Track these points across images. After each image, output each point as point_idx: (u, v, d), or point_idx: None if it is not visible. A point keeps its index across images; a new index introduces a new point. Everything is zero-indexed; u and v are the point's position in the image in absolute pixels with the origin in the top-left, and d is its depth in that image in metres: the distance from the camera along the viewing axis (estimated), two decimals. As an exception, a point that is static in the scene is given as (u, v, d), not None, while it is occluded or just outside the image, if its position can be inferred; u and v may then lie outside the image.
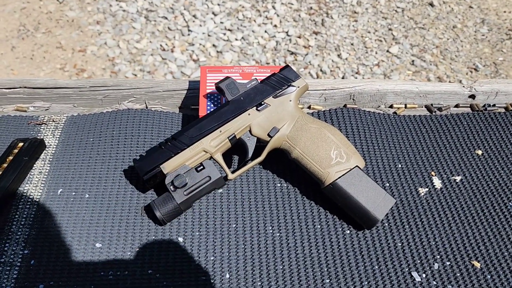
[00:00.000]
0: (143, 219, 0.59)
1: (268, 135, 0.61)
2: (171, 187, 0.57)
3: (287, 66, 0.64)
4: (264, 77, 0.64)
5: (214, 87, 0.66)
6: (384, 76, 2.42)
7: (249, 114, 0.61)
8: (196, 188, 0.58)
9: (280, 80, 0.63)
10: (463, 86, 0.77)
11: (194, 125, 0.60)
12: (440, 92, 0.76)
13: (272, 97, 0.62)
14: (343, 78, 2.39)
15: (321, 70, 2.43)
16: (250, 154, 0.61)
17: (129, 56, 2.36)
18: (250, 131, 0.61)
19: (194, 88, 0.73)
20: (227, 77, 0.62)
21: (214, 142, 0.60)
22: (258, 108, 0.61)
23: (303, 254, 0.56)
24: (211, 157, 0.60)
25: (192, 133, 0.59)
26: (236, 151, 0.66)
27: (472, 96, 0.78)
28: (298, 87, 0.63)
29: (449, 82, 2.46)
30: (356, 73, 2.44)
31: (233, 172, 0.61)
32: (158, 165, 0.58)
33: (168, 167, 0.58)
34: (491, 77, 2.48)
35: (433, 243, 0.58)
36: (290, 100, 0.62)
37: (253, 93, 0.62)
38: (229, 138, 0.60)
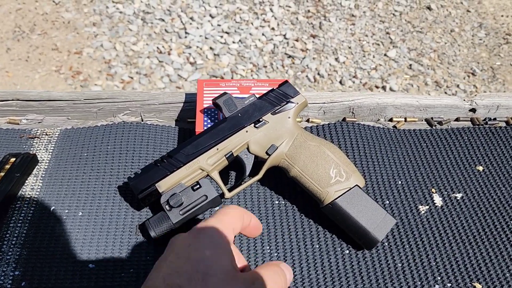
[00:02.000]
0: (138, 238, 0.57)
1: (266, 153, 0.59)
2: (167, 206, 0.56)
3: (286, 82, 0.63)
4: (263, 93, 0.63)
5: (211, 102, 0.65)
6: (382, 80, 2.41)
7: (246, 131, 0.59)
8: (192, 207, 0.56)
9: (278, 96, 0.61)
10: (464, 100, 0.76)
11: (190, 142, 0.59)
12: (441, 105, 0.75)
13: (271, 113, 0.60)
14: (340, 82, 2.38)
15: (318, 74, 2.42)
16: (247, 172, 0.60)
17: (126, 59, 2.35)
18: (248, 148, 0.60)
19: (190, 101, 0.72)
20: (225, 93, 0.61)
21: (211, 160, 0.58)
22: (256, 125, 0.60)
23: (301, 276, 0.55)
24: (207, 175, 0.59)
25: (188, 150, 0.58)
26: (234, 167, 0.65)
27: (473, 110, 0.77)
28: (297, 103, 0.61)
29: (447, 86, 2.46)
30: (354, 77, 2.43)
31: (230, 190, 0.60)
32: (153, 183, 0.57)
33: (163, 185, 0.57)
34: (488, 81, 2.48)
35: (434, 263, 0.57)
36: (289, 117, 0.60)
37: (251, 109, 0.60)
38: (226, 156, 0.59)
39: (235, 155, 0.60)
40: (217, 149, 0.58)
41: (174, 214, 0.56)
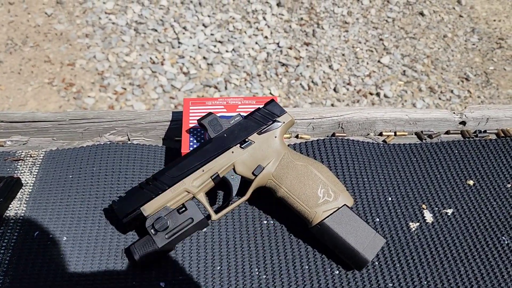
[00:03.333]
0: (123, 263, 0.56)
1: (253, 173, 0.59)
2: (152, 230, 0.55)
3: (272, 100, 0.62)
4: (249, 111, 0.62)
5: (196, 122, 0.64)
6: (376, 87, 2.41)
7: (232, 152, 0.59)
8: (178, 230, 0.55)
9: (264, 116, 0.61)
10: (454, 113, 0.76)
11: (175, 164, 0.58)
12: (430, 119, 0.75)
13: (257, 133, 0.60)
14: (334, 89, 2.38)
15: (312, 82, 2.42)
16: (234, 193, 0.59)
17: (119, 70, 2.34)
18: (234, 169, 0.59)
19: (177, 119, 0.71)
20: (210, 113, 0.60)
21: (197, 182, 0.57)
22: (242, 146, 0.59)
23: (290, 298, 0.54)
24: (193, 197, 0.58)
25: (173, 172, 0.57)
26: (220, 187, 0.64)
27: (463, 123, 0.76)
28: (284, 122, 0.61)
29: (441, 92, 2.46)
30: (348, 84, 2.43)
31: (216, 211, 0.59)
32: (138, 207, 0.56)
33: (148, 209, 0.56)
34: (482, 86, 2.48)
35: (425, 282, 0.56)
36: (275, 136, 0.60)
37: (236, 129, 0.60)
38: (212, 178, 0.58)
39: (221, 176, 0.59)
40: (203, 171, 0.58)
41: (160, 238, 0.55)
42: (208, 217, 0.59)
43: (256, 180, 0.58)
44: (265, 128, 0.60)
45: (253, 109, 0.62)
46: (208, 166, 0.58)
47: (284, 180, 0.58)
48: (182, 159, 0.58)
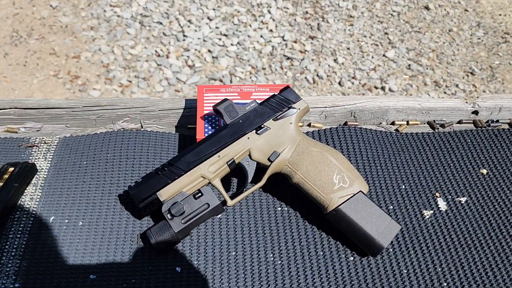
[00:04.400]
0: (139, 248, 0.56)
1: (269, 159, 0.59)
2: (168, 215, 0.55)
3: (287, 87, 0.62)
4: (264, 98, 0.62)
5: (211, 108, 0.64)
6: (381, 81, 2.41)
7: (248, 138, 0.59)
8: (194, 216, 0.56)
9: (280, 102, 0.61)
10: (466, 102, 0.76)
11: (191, 150, 0.58)
12: (443, 108, 0.75)
13: (272, 119, 0.60)
14: (339, 83, 2.38)
15: (317, 75, 2.42)
16: (249, 179, 0.59)
17: (124, 62, 2.34)
18: (249, 155, 0.59)
19: (190, 107, 0.71)
20: (225, 99, 0.60)
21: (213, 168, 0.57)
22: (258, 132, 0.59)
23: (306, 284, 0.54)
24: (209, 183, 0.58)
25: (189, 158, 0.57)
26: (235, 174, 0.64)
27: (475, 112, 0.76)
28: (299, 109, 0.61)
29: (446, 86, 2.45)
30: (353, 78, 2.42)
31: (232, 197, 0.59)
32: (155, 192, 0.56)
33: (164, 194, 0.56)
34: (487, 80, 2.47)
35: (439, 269, 0.57)
36: (291, 123, 0.60)
37: (252, 115, 0.60)
38: (228, 163, 0.58)
39: (236, 162, 0.59)
40: (219, 157, 0.58)
41: (176, 223, 0.55)
42: (224, 203, 0.59)
43: (271, 166, 0.59)
44: (281, 114, 0.60)
45: (267, 96, 0.62)
46: (224, 152, 0.58)
47: (300, 166, 0.58)
48: (198, 144, 0.58)
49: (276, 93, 0.62)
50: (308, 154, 0.58)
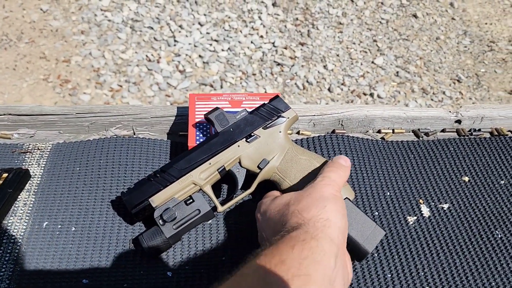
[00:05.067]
0: (131, 253, 0.58)
1: (258, 167, 0.61)
2: (160, 221, 0.56)
3: (276, 96, 0.64)
4: (254, 107, 0.64)
5: (203, 117, 0.66)
6: (369, 87, 2.45)
7: (238, 146, 0.60)
8: (186, 221, 0.57)
9: (270, 111, 0.63)
10: (450, 111, 0.78)
11: (183, 157, 0.60)
12: (427, 117, 0.77)
13: (262, 128, 0.62)
14: (329, 89, 2.41)
15: (307, 81, 2.45)
16: (239, 186, 0.61)
17: (114, 67, 2.34)
18: (239, 163, 0.61)
19: (182, 114, 0.73)
20: (217, 108, 0.62)
21: (204, 175, 0.59)
22: (248, 140, 0.61)
23: (294, 288, 0.56)
24: (200, 189, 0.60)
25: (181, 165, 0.59)
26: (226, 180, 0.66)
27: (458, 121, 0.79)
28: (288, 118, 0.63)
29: (433, 93, 2.50)
30: (342, 84, 2.46)
31: (222, 203, 0.61)
32: (147, 198, 0.57)
33: (157, 200, 0.57)
34: (473, 88, 2.52)
35: (422, 273, 0.59)
36: (280, 131, 0.62)
37: (242, 124, 0.61)
38: (219, 170, 0.60)
39: (227, 169, 0.61)
40: (210, 164, 0.59)
41: (168, 229, 0.56)
42: (214, 208, 0.61)
43: (261, 173, 0.60)
44: (270, 123, 0.62)
45: (257, 105, 0.64)
46: (215, 159, 0.59)
47: (289, 173, 0.60)
48: (189, 152, 0.60)
49: (266, 102, 0.64)
50: (297, 162, 0.60)
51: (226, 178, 0.63)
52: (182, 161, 0.59)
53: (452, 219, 0.65)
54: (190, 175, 0.59)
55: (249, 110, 0.64)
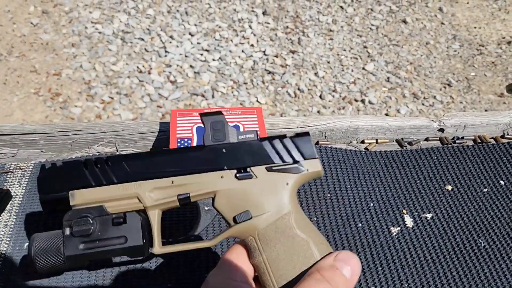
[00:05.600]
0: (113, 269, 0.57)
1: (234, 218, 0.42)
2: (67, 228, 0.42)
3: (307, 133, 0.48)
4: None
5: (184, 133, 0.66)
6: (361, 94, 2.46)
7: (222, 177, 0.44)
8: (101, 246, 0.41)
9: (287, 149, 0.45)
10: (432, 120, 0.79)
11: (144, 157, 0.45)
12: (410, 126, 0.78)
13: (265, 167, 0.44)
14: (320, 96, 2.42)
15: (298, 89, 2.45)
16: (198, 231, 0.44)
17: (105, 79, 2.35)
18: (213, 199, 0.44)
19: (165, 130, 0.73)
20: (220, 112, 0.46)
21: (157, 194, 0.43)
22: (238, 175, 0.44)
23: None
24: (144, 211, 0.44)
25: (133, 166, 0.43)
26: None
27: (441, 130, 0.79)
28: (307, 170, 0.45)
29: (424, 98, 2.51)
30: (333, 91, 2.47)
31: (164, 243, 0.44)
32: (67, 189, 0.43)
33: (78, 197, 0.42)
34: (464, 92, 2.54)
35: (406, 285, 0.59)
36: (287, 184, 0.44)
37: (242, 149, 0.45)
38: (180, 197, 0.43)
39: (192, 200, 0.44)
40: (172, 182, 0.44)
41: (72, 244, 0.41)
42: (150, 244, 0.44)
43: (233, 228, 0.43)
44: (281, 166, 0.45)
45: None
46: (182, 180, 0.44)
47: (270, 248, 0.41)
48: (153, 154, 0.45)
49: (288, 135, 0.47)
50: (290, 237, 0.42)
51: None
52: (139, 162, 0.44)
53: (436, 229, 0.65)
54: (138, 185, 0.43)
55: (259, 134, 0.50)
